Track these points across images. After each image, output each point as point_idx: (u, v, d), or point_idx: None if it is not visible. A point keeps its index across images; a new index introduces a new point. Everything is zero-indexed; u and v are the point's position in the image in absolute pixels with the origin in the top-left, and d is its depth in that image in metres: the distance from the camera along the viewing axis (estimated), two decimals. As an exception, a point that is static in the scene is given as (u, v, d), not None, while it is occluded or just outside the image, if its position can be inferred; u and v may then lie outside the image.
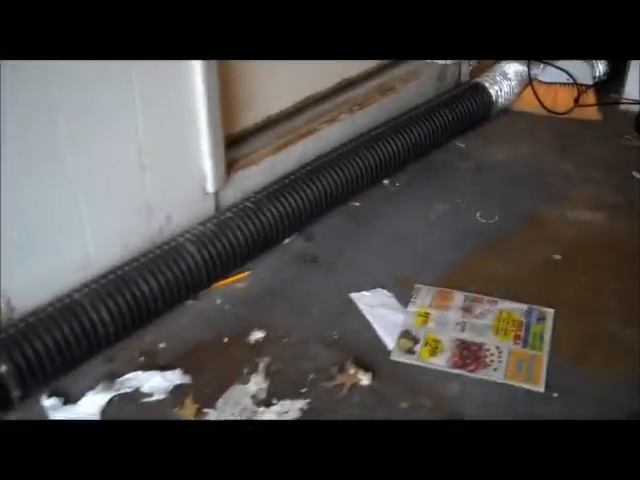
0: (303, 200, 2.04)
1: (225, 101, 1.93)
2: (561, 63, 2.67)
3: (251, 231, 1.90)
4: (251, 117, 2.10)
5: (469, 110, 2.49)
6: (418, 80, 2.50)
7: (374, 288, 1.87)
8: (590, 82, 2.68)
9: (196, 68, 1.75)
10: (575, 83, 2.65)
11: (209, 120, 1.82)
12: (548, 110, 2.65)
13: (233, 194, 1.98)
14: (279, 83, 2.13)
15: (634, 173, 2.34)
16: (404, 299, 1.84)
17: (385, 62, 2.47)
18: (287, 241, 2.02)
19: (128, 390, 1.59)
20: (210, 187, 1.90)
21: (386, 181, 2.28)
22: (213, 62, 1.78)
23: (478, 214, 2.15)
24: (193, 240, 1.81)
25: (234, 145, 2.04)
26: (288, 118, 2.19)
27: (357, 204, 2.19)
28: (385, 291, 1.87)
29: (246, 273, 1.92)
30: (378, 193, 2.24)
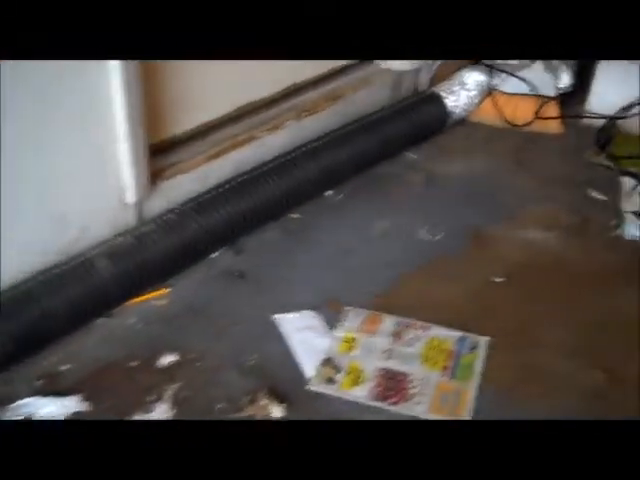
0: (235, 211, 1.92)
1: (152, 106, 1.82)
2: (523, 73, 2.57)
3: (173, 244, 1.79)
4: (184, 123, 1.98)
5: (423, 120, 2.38)
6: (370, 88, 2.39)
7: (302, 309, 1.76)
8: (553, 94, 2.57)
9: (113, 70, 1.63)
10: (537, 94, 2.55)
11: (129, 126, 1.70)
12: (508, 122, 2.54)
13: (160, 204, 1.87)
14: (217, 87, 2.02)
15: (590, 191, 2.23)
16: (332, 322, 1.73)
17: (336, 68, 2.36)
18: (215, 255, 1.91)
19: (20, 417, 1.48)
20: (130, 197, 1.79)
21: (329, 192, 2.17)
22: (134, 63, 1.67)
23: (422, 231, 2.04)
24: (105, 254, 1.69)
25: (163, 152, 1.93)
26: (227, 125, 2.07)
27: (296, 216, 2.08)
28: (313, 313, 1.76)
29: (166, 289, 1.80)
30: (320, 205, 2.13)
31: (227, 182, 1.97)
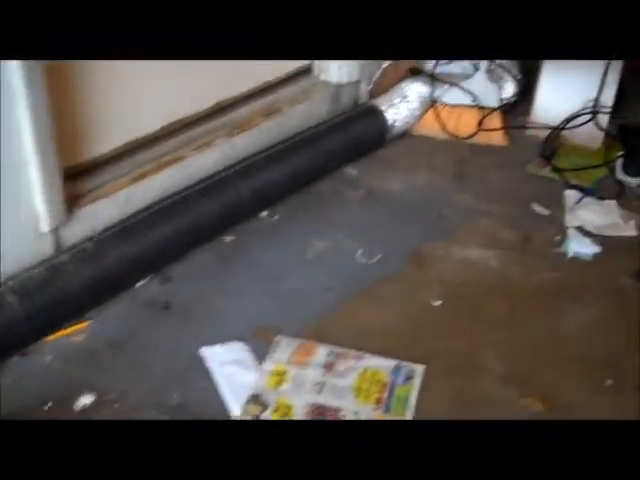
0: (161, 237, 1.82)
1: (67, 126, 1.72)
2: (466, 84, 2.51)
3: (92, 275, 1.69)
4: (104, 144, 1.88)
5: (362, 134, 2.30)
6: (308, 101, 2.30)
7: (231, 340, 1.67)
8: (496, 104, 2.51)
9: (19, 90, 1.52)
10: (480, 105, 2.49)
11: (39, 148, 1.59)
12: (451, 134, 2.48)
13: (79, 232, 1.76)
14: (141, 105, 1.92)
15: (534, 206, 2.17)
16: (262, 353, 1.64)
17: (271, 81, 2.27)
18: (139, 285, 1.81)
19: None
20: (45, 225, 1.67)
21: (264, 213, 2.08)
22: (43, 81, 1.56)
23: (359, 252, 1.96)
24: (17, 287, 1.58)
25: (81, 176, 1.82)
26: (151, 144, 1.97)
27: (229, 239, 1.98)
28: (241, 344, 1.66)
29: (86, 323, 1.70)
30: (254, 226, 2.04)
31: (152, 206, 1.87)
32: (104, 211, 1.81)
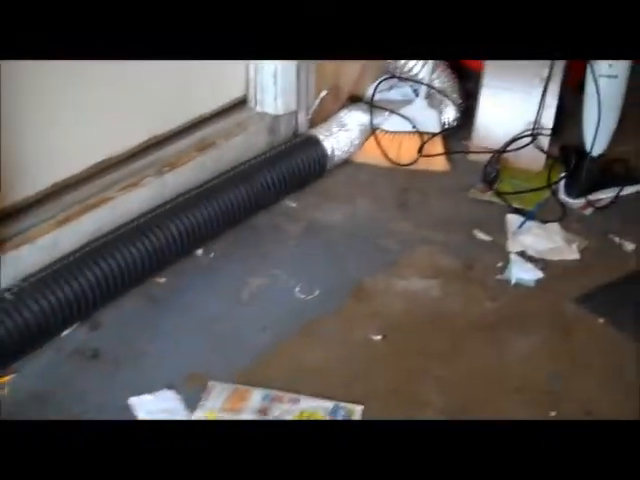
0: (88, 281, 1.75)
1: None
2: (406, 110, 2.48)
3: (14, 325, 1.60)
4: (28, 187, 1.80)
5: (301, 166, 2.25)
6: (244, 134, 2.25)
7: (161, 389, 1.60)
8: (437, 130, 2.49)
9: None
10: (421, 131, 2.46)
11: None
12: (392, 162, 2.44)
13: (4, 279, 1.68)
14: (67, 144, 1.85)
15: (476, 232, 2.14)
16: (194, 401, 1.57)
17: (205, 115, 2.22)
18: (66, 333, 1.73)
19: None
20: (-36, 275, 1.61)
21: (199, 251, 2.02)
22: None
23: (297, 288, 1.90)
24: None
25: (4, 221, 1.74)
26: (77, 186, 1.89)
27: (162, 280, 1.92)
28: (172, 393, 1.59)
29: (9, 377, 1.61)
30: (188, 266, 1.97)
31: (79, 249, 1.80)
32: (29, 257, 1.74)
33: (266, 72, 2.28)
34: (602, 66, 2.20)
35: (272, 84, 2.29)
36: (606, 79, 2.21)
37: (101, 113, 1.90)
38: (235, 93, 2.31)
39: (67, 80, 1.78)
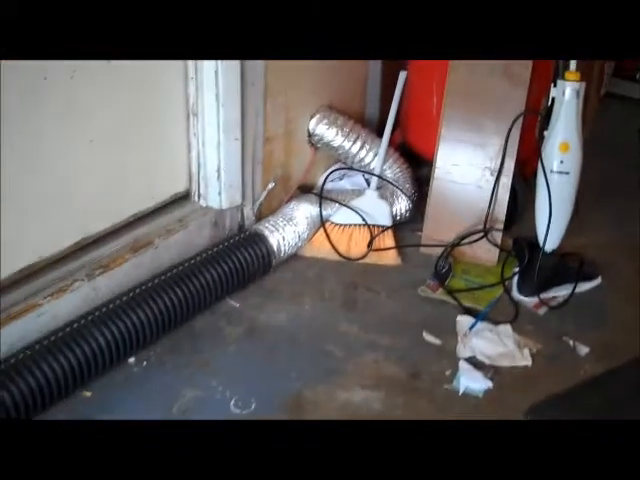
0: (8, 397, 1.64)
1: None
2: (357, 202, 2.42)
3: None
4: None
5: (244, 264, 2.15)
6: (185, 231, 2.16)
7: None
8: (388, 223, 2.42)
9: None
10: (372, 224, 2.39)
11: None
12: (342, 255, 2.37)
13: None
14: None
15: (425, 335, 2.05)
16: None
17: (140, 213, 2.12)
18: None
19: None
20: None
21: (132, 359, 1.91)
22: None
23: (233, 401, 1.79)
24: None
25: None
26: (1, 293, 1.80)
27: (89, 394, 1.80)
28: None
29: None
30: (118, 377, 1.86)
31: (1, 362, 1.69)
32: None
33: (210, 166, 2.21)
34: (553, 162, 2.16)
35: (216, 179, 2.22)
36: (557, 175, 2.17)
37: (31, 214, 1.82)
38: (177, 188, 2.24)
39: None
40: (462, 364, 1.92)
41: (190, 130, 2.17)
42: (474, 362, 1.94)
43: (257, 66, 2.19)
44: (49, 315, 1.82)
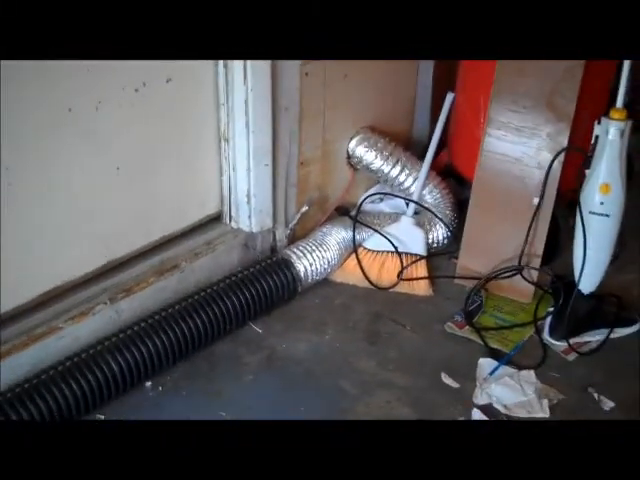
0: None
1: None
2: (391, 229, 2.38)
3: None
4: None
5: (269, 291, 2.15)
6: (212, 254, 2.19)
7: None
8: (423, 252, 2.38)
9: None
10: (401, 252, 2.35)
11: None
12: (372, 283, 2.34)
13: None
14: (17, 271, 1.82)
15: (443, 376, 2.01)
16: None
17: (168, 236, 2.16)
18: None
19: None
20: None
21: (149, 383, 1.95)
22: None
23: (238, 436, 1.81)
24: None
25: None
26: (22, 316, 1.86)
27: (102, 417, 1.86)
28: None
29: None
30: (133, 401, 1.90)
31: (22, 383, 1.76)
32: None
33: (240, 191, 2.22)
34: (593, 203, 2.06)
35: (246, 203, 2.23)
36: (596, 217, 2.07)
37: (58, 237, 1.88)
38: (209, 210, 2.26)
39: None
40: (474, 413, 1.87)
41: (222, 155, 2.18)
42: (489, 410, 1.89)
43: (291, 91, 2.18)
44: (70, 338, 1.88)
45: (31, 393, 1.76)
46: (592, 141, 2.07)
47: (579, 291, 2.14)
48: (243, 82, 2.05)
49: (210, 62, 2.06)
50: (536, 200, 2.22)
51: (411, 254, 2.37)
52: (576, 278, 2.14)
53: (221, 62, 2.06)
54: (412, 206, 2.43)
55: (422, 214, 2.47)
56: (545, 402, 1.91)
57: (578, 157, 2.16)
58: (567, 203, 2.30)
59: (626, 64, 2.04)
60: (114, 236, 2.01)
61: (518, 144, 2.25)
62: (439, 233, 2.45)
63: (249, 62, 2.02)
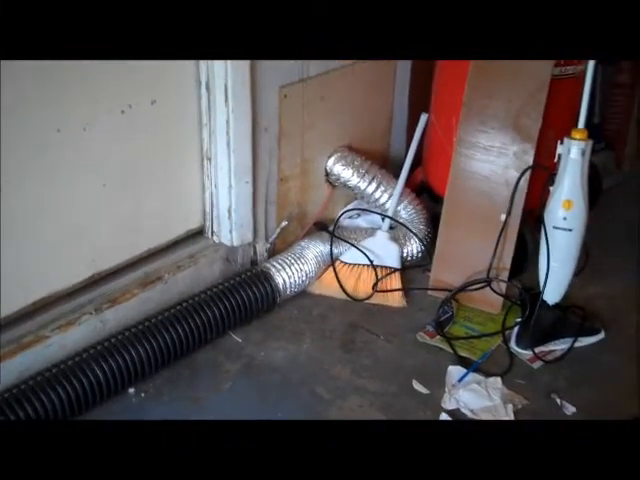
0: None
1: None
2: (367, 243, 2.49)
3: None
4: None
5: (248, 302, 2.25)
6: (195, 267, 2.29)
7: None
8: (397, 265, 2.48)
9: None
10: (376, 265, 2.45)
11: None
12: (348, 295, 2.44)
13: None
14: (2, 287, 1.91)
15: (414, 383, 2.10)
16: None
17: (153, 249, 2.26)
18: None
19: None
20: None
21: (132, 389, 2.04)
22: None
23: (217, 439, 1.90)
24: None
25: None
26: (8, 327, 1.94)
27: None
28: None
29: None
30: (116, 407, 1.99)
31: (11, 389, 1.85)
32: (-50, 399, 1.80)
33: (222, 207, 2.32)
34: (556, 218, 2.17)
35: (227, 218, 2.33)
36: (560, 231, 2.18)
37: (43, 251, 1.97)
38: (191, 225, 2.36)
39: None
40: (442, 417, 1.97)
41: (204, 172, 2.29)
42: (457, 415, 1.99)
43: (271, 112, 2.29)
44: (56, 346, 1.97)
45: (18, 398, 1.85)
46: (555, 160, 2.19)
47: (544, 302, 2.25)
48: (224, 103, 2.16)
49: (193, 84, 2.17)
50: (503, 216, 2.33)
51: (386, 267, 2.47)
52: (541, 289, 2.25)
53: (203, 84, 2.17)
54: (387, 221, 2.54)
55: (397, 229, 2.58)
56: (510, 407, 2.01)
57: (545, 175, 2.28)
58: (535, 219, 2.42)
59: (587, 86, 2.16)
60: (101, 249, 2.11)
61: (486, 162, 2.36)
62: (413, 247, 2.55)
63: (230, 84, 2.13)
